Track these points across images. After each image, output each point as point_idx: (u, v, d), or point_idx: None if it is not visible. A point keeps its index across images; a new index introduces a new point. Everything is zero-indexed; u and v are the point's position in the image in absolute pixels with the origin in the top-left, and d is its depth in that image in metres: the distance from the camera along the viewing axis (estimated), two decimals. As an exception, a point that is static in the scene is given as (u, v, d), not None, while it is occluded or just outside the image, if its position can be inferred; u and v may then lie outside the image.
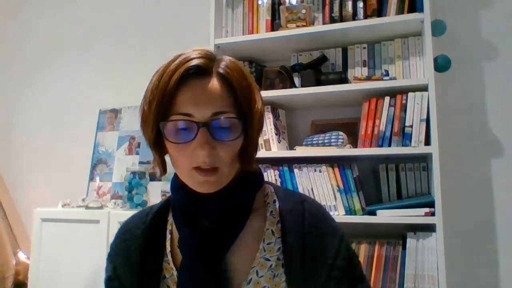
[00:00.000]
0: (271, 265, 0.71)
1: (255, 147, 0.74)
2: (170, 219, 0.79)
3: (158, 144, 0.70)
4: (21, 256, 2.29)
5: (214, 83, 0.67)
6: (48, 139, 2.60)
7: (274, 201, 0.77)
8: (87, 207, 2.06)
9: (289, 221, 0.73)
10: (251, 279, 0.70)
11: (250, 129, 0.70)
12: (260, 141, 1.87)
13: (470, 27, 1.88)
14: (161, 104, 0.66)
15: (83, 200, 2.18)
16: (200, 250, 0.69)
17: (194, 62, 0.67)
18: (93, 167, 2.40)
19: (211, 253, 0.69)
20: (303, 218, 0.73)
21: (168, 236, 0.77)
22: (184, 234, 0.72)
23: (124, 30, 2.50)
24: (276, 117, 1.93)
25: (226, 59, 0.71)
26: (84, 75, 2.57)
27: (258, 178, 0.78)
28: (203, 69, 0.67)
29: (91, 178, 2.39)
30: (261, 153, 1.83)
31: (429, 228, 1.58)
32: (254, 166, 0.77)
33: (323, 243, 0.72)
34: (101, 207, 2.05)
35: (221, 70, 0.68)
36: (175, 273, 0.74)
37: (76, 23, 2.64)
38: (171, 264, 0.75)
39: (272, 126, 1.86)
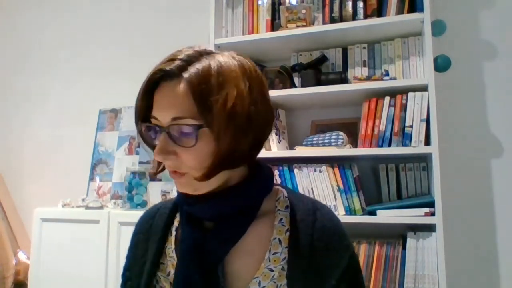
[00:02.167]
0: (273, 276, 0.68)
1: (239, 149, 0.66)
2: (178, 216, 0.79)
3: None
4: (21, 256, 2.29)
5: (181, 87, 0.63)
6: (48, 139, 2.60)
7: (287, 207, 0.74)
8: (87, 207, 2.06)
9: (298, 232, 0.70)
10: None
11: (217, 133, 0.63)
12: (260, 141, 1.87)
13: (470, 27, 1.88)
14: (137, 107, 0.68)
15: (83, 200, 2.18)
16: (197, 251, 0.68)
17: (163, 66, 0.65)
18: (93, 167, 2.40)
19: (208, 256, 0.68)
20: (313, 229, 0.70)
21: (174, 233, 0.77)
22: (184, 231, 0.72)
23: (124, 30, 2.50)
24: (276, 117, 1.93)
25: (207, 60, 0.65)
26: (84, 75, 2.57)
27: (266, 182, 0.75)
28: (170, 73, 0.64)
29: (91, 178, 2.39)
30: (261, 153, 1.83)
31: (429, 228, 1.58)
32: (263, 167, 0.76)
33: (330, 260, 0.69)
34: (101, 207, 2.05)
35: (185, 75, 0.63)
36: None
37: (77, 23, 2.64)
38: (176, 261, 0.74)
39: (272, 126, 1.86)
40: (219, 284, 0.67)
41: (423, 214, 1.56)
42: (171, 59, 0.65)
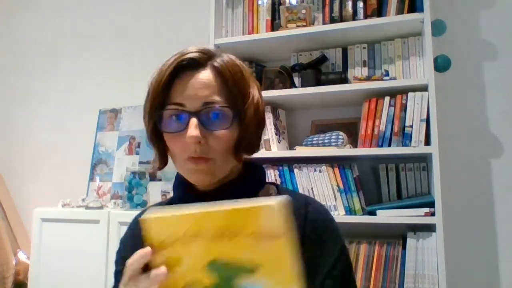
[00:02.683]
0: None
1: (252, 141, 0.74)
2: None
3: (158, 138, 0.72)
4: (21, 256, 2.29)
5: (208, 74, 0.69)
6: (48, 139, 2.60)
7: None
8: (87, 207, 2.06)
9: None
10: None
11: (244, 121, 0.70)
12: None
13: (470, 27, 1.88)
14: (156, 94, 0.69)
15: (83, 200, 2.18)
16: None
17: (189, 55, 0.69)
18: (93, 167, 2.40)
19: None
20: (305, 222, 0.71)
21: None
22: None
23: (124, 30, 2.50)
24: (276, 117, 1.93)
25: (224, 55, 0.72)
26: (84, 75, 2.57)
27: (260, 178, 0.78)
28: (196, 62, 0.69)
29: (91, 178, 2.39)
30: (261, 153, 1.83)
31: (429, 228, 1.58)
32: (257, 165, 0.78)
33: (322, 251, 0.71)
34: (101, 207, 2.05)
35: (215, 63, 0.70)
36: None
37: (77, 23, 2.64)
38: None
39: (272, 126, 1.86)
40: None
41: (423, 214, 1.56)
42: (188, 52, 0.70)
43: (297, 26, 1.86)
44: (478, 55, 1.86)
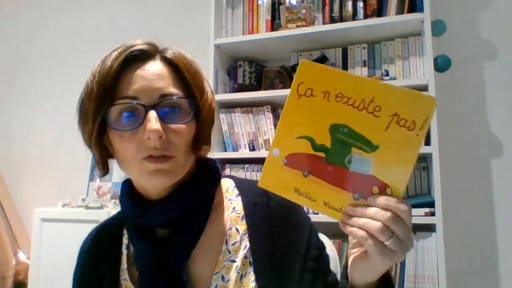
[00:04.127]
0: (237, 266, 0.65)
1: (209, 138, 0.68)
2: (126, 233, 0.73)
3: (99, 142, 0.65)
4: (21, 256, 2.29)
5: (159, 66, 0.64)
6: (48, 139, 2.60)
7: (237, 195, 0.72)
8: (87, 207, 2.06)
9: (255, 215, 0.68)
10: (216, 285, 0.65)
11: (201, 116, 0.65)
12: (260, 141, 1.87)
13: (470, 27, 1.88)
14: (103, 89, 0.61)
15: (83, 200, 2.18)
16: (157, 264, 0.64)
17: (138, 47, 0.64)
18: (93, 167, 2.40)
19: (169, 265, 0.64)
20: (269, 209, 0.68)
21: (125, 252, 0.72)
22: (137, 248, 0.67)
23: (124, 30, 2.50)
24: (276, 117, 1.92)
25: (173, 47, 0.68)
26: (84, 75, 2.56)
27: (215, 174, 0.72)
28: (147, 53, 0.64)
29: (91, 178, 2.39)
30: (261, 153, 1.83)
31: (429, 228, 1.58)
32: (208, 161, 0.73)
33: (294, 234, 0.68)
34: (101, 207, 2.05)
35: (167, 55, 0.66)
36: None
37: (77, 23, 2.64)
38: (129, 282, 0.69)
39: (272, 126, 1.86)
40: None
41: (423, 214, 1.56)
42: (136, 44, 0.65)
43: (297, 26, 1.86)
44: (478, 55, 1.86)
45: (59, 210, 2.10)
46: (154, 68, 0.63)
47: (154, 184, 0.64)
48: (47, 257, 2.03)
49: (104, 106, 0.61)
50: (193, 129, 0.64)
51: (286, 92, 1.83)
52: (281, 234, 0.67)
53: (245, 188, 0.73)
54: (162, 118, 0.60)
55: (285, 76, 1.90)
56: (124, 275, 0.71)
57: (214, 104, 0.70)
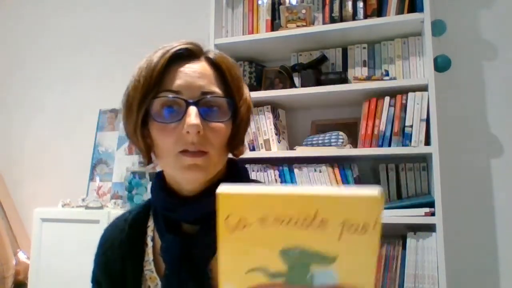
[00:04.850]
0: None
1: (243, 139, 0.71)
2: (151, 224, 0.75)
3: (142, 132, 0.67)
4: (21, 256, 2.29)
5: (203, 65, 0.67)
6: (48, 139, 2.60)
7: None
8: (87, 207, 2.06)
9: None
10: None
11: (238, 117, 0.68)
12: (260, 141, 1.87)
13: (470, 27, 1.88)
14: (148, 83, 0.64)
15: (83, 200, 2.18)
16: (184, 258, 0.66)
17: (184, 46, 0.67)
18: (93, 167, 2.40)
19: (196, 261, 0.66)
20: None
21: (150, 244, 0.73)
22: (166, 241, 0.68)
23: (124, 30, 2.50)
24: (276, 117, 1.92)
25: (216, 50, 0.71)
26: (84, 75, 2.57)
27: (243, 177, 0.75)
28: (192, 52, 0.67)
29: (91, 178, 2.39)
30: (261, 153, 1.83)
31: (429, 228, 1.58)
32: (239, 164, 0.75)
33: None
34: (101, 207, 2.05)
35: (211, 56, 0.69)
36: (159, 282, 0.70)
37: (77, 23, 2.64)
38: (155, 273, 0.71)
39: (272, 126, 1.86)
40: (210, 285, 0.66)
41: (423, 214, 1.56)
42: (181, 44, 0.67)
43: (297, 26, 1.86)
44: (478, 55, 1.86)
45: (59, 210, 2.10)
46: (198, 67, 0.66)
47: (187, 179, 0.66)
48: (47, 257, 2.03)
49: (148, 98, 0.64)
50: (229, 129, 0.67)
51: (286, 92, 1.85)
52: None
53: None
54: (201, 115, 0.63)
55: (285, 76, 1.90)
56: (149, 266, 0.72)
57: (252, 107, 0.72)
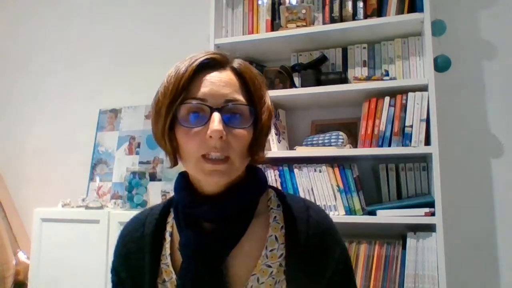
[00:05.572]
0: (272, 272, 0.72)
1: (263, 145, 0.76)
2: (171, 221, 0.79)
3: (169, 135, 0.71)
4: (21, 256, 2.29)
5: (228, 74, 0.71)
6: (48, 139, 2.60)
7: (278, 206, 0.78)
8: (87, 207, 2.06)
9: (293, 228, 0.74)
10: (251, 286, 0.71)
11: (259, 124, 0.72)
12: (260, 141, 1.87)
13: (470, 27, 1.88)
14: (176, 89, 0.68)
15: (83, 200, 2.18)
16: (201, 252, 0.69)
17: (210, 56, 0.71)
18: (93, 167, 2.40)
19: (212, 256, 0.69)
20: (307, 227, 0.74)
21: (168, 239, 0.77)
22: (185, 236, 0.72)
23: (124, 30, 2.50)
24: (276, 117, 1.93)
25: (240, 60, 0.75)
26: (84, 75, 2.57)
27: (262, 182, 0.78)
28: (218, 62, 0.71)
29: (91, 178, 2.39)
30: (261, 153, 1.83)
31: (429, 228, 1.58)
32: (259, 169, 0.79)
33: (325, 254, 0.74)
34: (101, 207, 2.05)
35: (235, 65, 0.73)
36: (174, 276, 0.73)
37: (77, 23, 2.64)
38: (171, 267, 0.74)
39: (272, 126, 1.85)
40: (224, 282, 0.69)
41: (423, 214, 1.56)
42: (208, 53, 0.72)
43: (297, 26, 1.86)
44: (478, 55, 1.86)
45: (59, 210, 2.10)
46: (223, 76, 0.71)
47: (208, 182, 0.71)
48: (47, 257, 2.03)
49: (175, 104, 0.68)
50: (250, 135, 0.71)
51: (286, 92, 1.85)
52: (314, 252, 0.73)
53: (287, 200, 0.79)
54: (224, 121, 0.67)
55: (285, 76, 1.90)
56: (166, 260, 0.76)
57: (273, 114, 0.77)
